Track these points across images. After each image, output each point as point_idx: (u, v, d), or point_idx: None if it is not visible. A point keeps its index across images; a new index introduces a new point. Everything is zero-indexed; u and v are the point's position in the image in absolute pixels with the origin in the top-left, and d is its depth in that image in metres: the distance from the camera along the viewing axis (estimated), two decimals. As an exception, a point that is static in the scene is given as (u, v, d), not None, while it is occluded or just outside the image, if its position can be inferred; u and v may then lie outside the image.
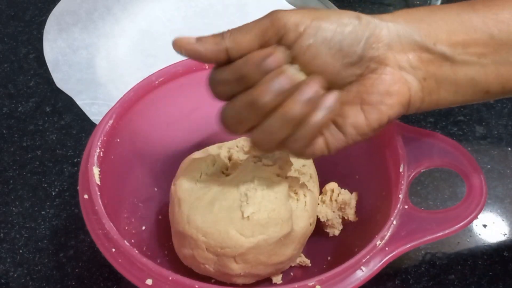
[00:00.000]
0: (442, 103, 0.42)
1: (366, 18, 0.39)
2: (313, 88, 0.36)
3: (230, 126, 0.39)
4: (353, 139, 0.41)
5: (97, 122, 0.52)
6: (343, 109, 0.40)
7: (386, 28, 0.39)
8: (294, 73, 0.37)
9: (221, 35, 0.38)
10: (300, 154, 0.40)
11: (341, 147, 0.41)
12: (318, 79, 0.37)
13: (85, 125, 0.64)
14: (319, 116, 0.37)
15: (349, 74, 0.39)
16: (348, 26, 0.38)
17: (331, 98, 0.37)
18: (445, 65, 0.40)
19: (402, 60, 0.40)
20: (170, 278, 0.40)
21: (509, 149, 0.61)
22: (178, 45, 0.38)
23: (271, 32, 0.38)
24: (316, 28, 0.38)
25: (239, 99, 0.37)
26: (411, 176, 0.47)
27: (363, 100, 0.40)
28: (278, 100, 0.37)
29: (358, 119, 0.40)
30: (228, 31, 0.38)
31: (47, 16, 0.74)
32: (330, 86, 0.39)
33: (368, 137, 0.41)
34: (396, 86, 0.40)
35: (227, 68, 0.38)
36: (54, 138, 0.63)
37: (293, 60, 0.38)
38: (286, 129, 0.37)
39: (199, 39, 0.38)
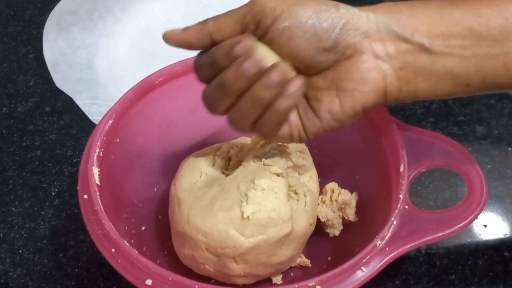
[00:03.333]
0: (422, 94, 0.42)
1: (345, 6, 0.41)
2: (277, 73, 0.39)
3: (209, 106, 0.42)
4: (328, 125, 0.42)
5: (96, 122, 0.52)
6: (319, 94, 0.42)
7: (365, 17, 0.40)
8: (260, 59, 0.39)
9: (205, 21, 0.41)
10: (271, 137, 0.43)
11: (318, 132, 0.42)
12: (284, 65, 0.39)
13: (85, 125, 0.64)
14: (283, 102, 0.40)
15: (324, 59, 0.40)
16: (324, 12, 0.40)
17: (295, 85, 0.40)
18: (423, 56, 0.40)
19: (378, 49, 0.41)
20: (170, 278, 0.39)
21: (510, 149, 0.61)
22: (167, 37, 0.41)
23: (250, 17, 0.40)
24: (292, 12, 0.39)
25: (213, 82, 0.41)
26: (412, 176, 0.46)
27: (338, 86, 0.41)
28: (246, 83, 0.39)
29: (333, 105, 0.41)
30: (211, 17, 0.41)
31: (47, 16, 0.74)
32: (305, 71, 0.41)
33: (345, 125, 0.42)
34: (371, 74, 0.41)
35: (204, 53, 0.41)
36: (53, 138, 0.63)
37: (269, 43, 0.40)
38: (255, 111, 0.40)
39: (185, 29, 0.41)
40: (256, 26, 0.40)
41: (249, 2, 0.40)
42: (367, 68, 0.40)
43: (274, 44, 0.40)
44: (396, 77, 0.41)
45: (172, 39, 0.41)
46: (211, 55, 0.40)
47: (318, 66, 0.41)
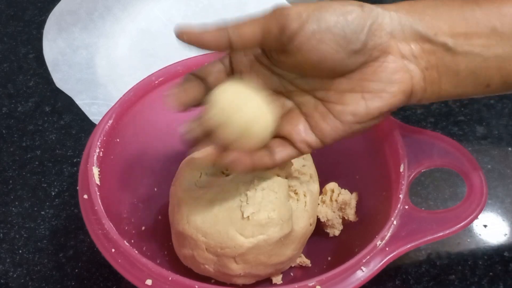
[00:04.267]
0: (444, 94, 0.42)
1: (369, 6, 0.40)
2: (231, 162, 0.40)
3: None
4: (350, 128, 0.41)
5: (96, 122, 0.52)
6: (343, 96, 0.41)
7: (389, 16, 0.40)
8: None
9: (225, 25, 0.39)
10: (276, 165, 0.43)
11: (338, 136, 0.42)
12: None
13: (85, 125, 0.64)
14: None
15: (353, 61, 0.40)
16: (351, 13, 0.39)
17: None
18: (447, 56, 0.40)
19: (404, 49, 0.40)
20: (170, 278, 0.39)
21: (510, 149, 0.61)
22: (180, 31, 0.38)
23: (273, 22, 0.38)
24: (319, 16, 0.38)
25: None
26: (412, 176, 0.46)
27: (364, 88, 0.40)
28: None
29: (358, 107, 0.41)
30: (232, 22, 0.39)
31: (47, 16, 0.74)
32: (331, 74, 0.40)
33: (366, 127, 0.42)
34: (398, 74, 0.40)
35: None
36: (53, 138, 0.63)
37: (297, 49, 0.39)
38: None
39: (202, 29, 0.39)
40: (280, 31, 0.38)
41: (272, 9, 0.39)
42: (394, 69, 0.40)
43: (302, 50, 0.39)
44: (422, 77, 0.41)
45: (187, 35, 0.38)
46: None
47: (345, 68, 0.40)
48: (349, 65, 0.40)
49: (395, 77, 0.40)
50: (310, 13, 0.38)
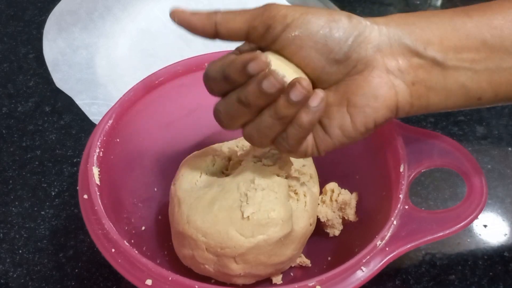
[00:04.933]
0: (433, 108, 0.41)
1: (357, 18, 0.40)
2: (301, 91, 0.37)
3: (223, 122, 0.41)
4: (339, 141, 0.41)
5: (96, 122, 0.52)
6: (330, 110, 0.40)
7: (377, 30, 0.39)
8: (281, 76, 0.37)
9: (215, 12, 0.40)
10: (291, 153, 0.42)
11: (329, 149, 0.41)
12: (304, 80, 0.38)
13: (85, 125, 0.64)
14: (307, 116, 0.39)
15: (335, 71, 0.39)
16: (336, 22, 0.39)
17: (317, 99, 0.39)
18: (436, 70, 0.40)
19: (390, 63, 0.40)
20: (170, 278, 0.39)
21: (510, 149, 0.61)
22: (173, 14, 0.41)
23: (260, 20, 0.39)
24: (304, 21, 0.38)
25: (230, 97, 0.39)
26: (412, 176, 0.46)
27: (349, 101, 0.40)
28: (268, 101, 0.38)
29: (344, 122, 0.40)
30: (223, 10, 0.40)
31: (47, 16, 0.74)
32: (315, 82, 0.40)
33: (356, 141, 0.41)
34: (382, 89, 0.40)
35: (216, 65, 0.40)
36: (53, 138, 0.63)
37: (278, 52, 0.39)
38: (277, 127, 0.39)
39: (193, 12, 0.40)
40: (265, 30, 0.39)
41: (262, 6, 0.39)
42: (378, 84, 0.39)
43: (283, 53, 0.39)
44: (408, 92, 0.40)
45: (178, 16, 0.40)
46: (224, 69, 0.39)
47: (328, 78, 0.40)
48: (332, 73, 0.40)
49: (379, 92, 0.40)
50: (296, 17, 0.38)
